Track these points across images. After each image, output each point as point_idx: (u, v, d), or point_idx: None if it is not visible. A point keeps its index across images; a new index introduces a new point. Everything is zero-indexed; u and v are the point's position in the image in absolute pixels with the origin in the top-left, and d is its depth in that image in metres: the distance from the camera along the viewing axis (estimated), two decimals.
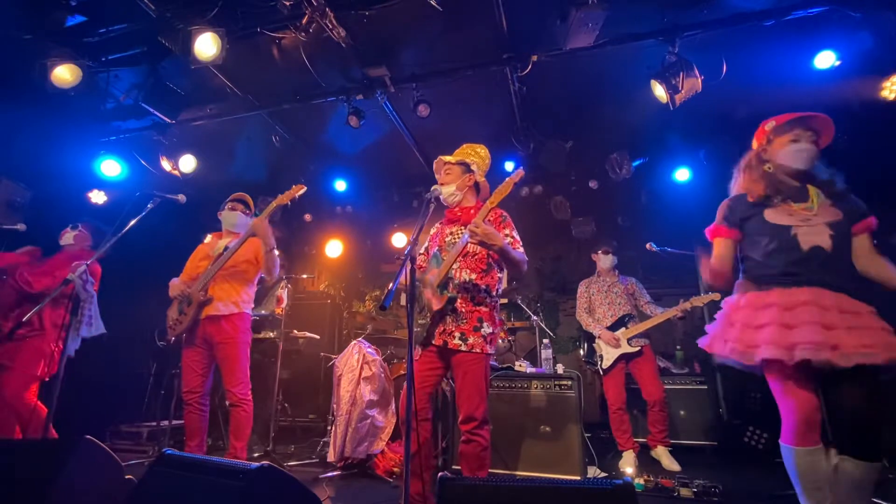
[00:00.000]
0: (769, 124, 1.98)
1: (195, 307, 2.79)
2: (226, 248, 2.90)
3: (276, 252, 2.88)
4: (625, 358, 3.60)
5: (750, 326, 1.75)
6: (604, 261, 3.89)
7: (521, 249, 2.17)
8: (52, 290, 2.46)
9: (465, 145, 2.38)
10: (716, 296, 3.40)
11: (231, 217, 3.06)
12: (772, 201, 1.89)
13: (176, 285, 2.88)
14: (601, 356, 3.68)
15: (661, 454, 3.50)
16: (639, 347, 3.57)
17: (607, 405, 3.66)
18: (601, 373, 3.69)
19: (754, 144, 2.06)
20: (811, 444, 1.64)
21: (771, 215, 1.87)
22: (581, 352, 3.92)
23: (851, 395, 1.61)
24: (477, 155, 2.35)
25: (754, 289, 1.85)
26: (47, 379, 2.89)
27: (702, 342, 1.94)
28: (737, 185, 2.06)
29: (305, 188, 3.01)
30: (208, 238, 3.23)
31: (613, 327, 3.67)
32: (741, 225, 1.95)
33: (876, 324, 1.64)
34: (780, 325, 1.66)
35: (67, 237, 3.18)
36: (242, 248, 2.91)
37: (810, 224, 1.78)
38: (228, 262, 2.86)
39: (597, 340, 3.73)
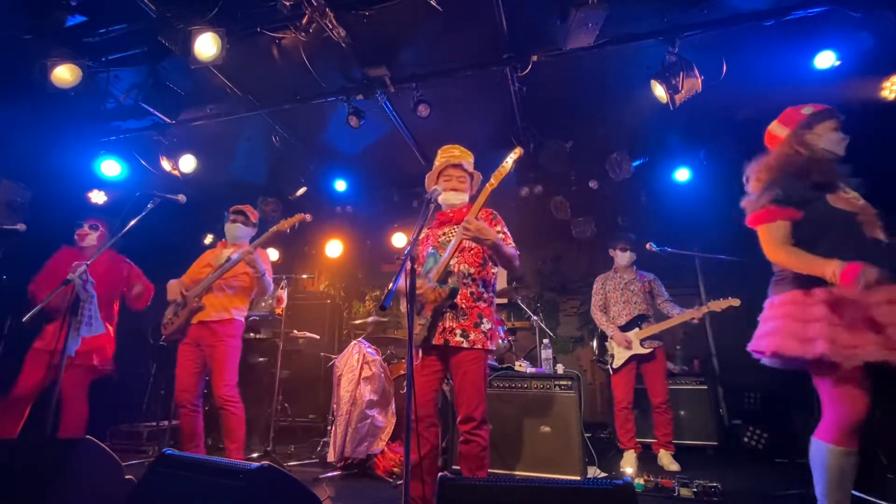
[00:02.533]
0: (806, 109, 1.92)
1: (188, 311, 2.86)
2: (228, 260, 2.95)
3: (268, 278, 2.98)
4: (636, 359, 3.58)
5: (839, 324, 1.61)
6: (621, 258, 3.83)
7: (513, 245, 2.19)
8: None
9: (457, 147, 2.39)
10: (735, 301, 3.34)
11: (232, 229, 3.14)
12: (830, 186, 1.79)
13: (174, 288, 2.93)
14: (612, 355, 3.66)
15: (663, 456, 3.50)
16: (651, 350, 3.54)
17: (613, 402, 3.66)
18: (611, 371, 3.67)
19: (782, 131, 1.96)
20: (852, 446, 1.62)
21: (834, 200, 1.75)
22: (593, 349, 3.90)
23: None
24: (468, 154, 2.39)
25: (816, 283, 1.69)
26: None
27: (766, 345, 1.75)
28: (783, 160, 1.89)
29: (308, 217, 3.08)
30: (209, 238, 3.25)
31: (627, 327, 3.64)
32: (803, 206, 1.77)
33: None
34: (874, 324, 1.57)
35: (90, 238, 3.14)
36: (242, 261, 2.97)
37: (865, 214, 1.72)
38: (228, 273, 2.94)
39: (609, 339, 3.71)
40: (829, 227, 1.73)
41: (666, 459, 3.46)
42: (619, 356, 3.61)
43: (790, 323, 1.72)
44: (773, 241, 1.81)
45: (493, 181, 2.08)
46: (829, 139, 1.85)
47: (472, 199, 2.38)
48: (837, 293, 1.64)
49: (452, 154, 2.35)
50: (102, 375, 3.09)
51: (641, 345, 3.55)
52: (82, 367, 2.92)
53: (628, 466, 3.37)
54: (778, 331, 1.74)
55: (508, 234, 2.25)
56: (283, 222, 3.02)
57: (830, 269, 1.61)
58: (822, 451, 1.66)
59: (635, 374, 3.62)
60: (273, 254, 5.93)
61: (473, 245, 2.20)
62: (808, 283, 1.72)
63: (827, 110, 1.90)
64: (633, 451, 3.48)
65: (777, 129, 1.99)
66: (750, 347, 1.84)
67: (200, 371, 2.89)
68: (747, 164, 2.01)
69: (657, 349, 3.57)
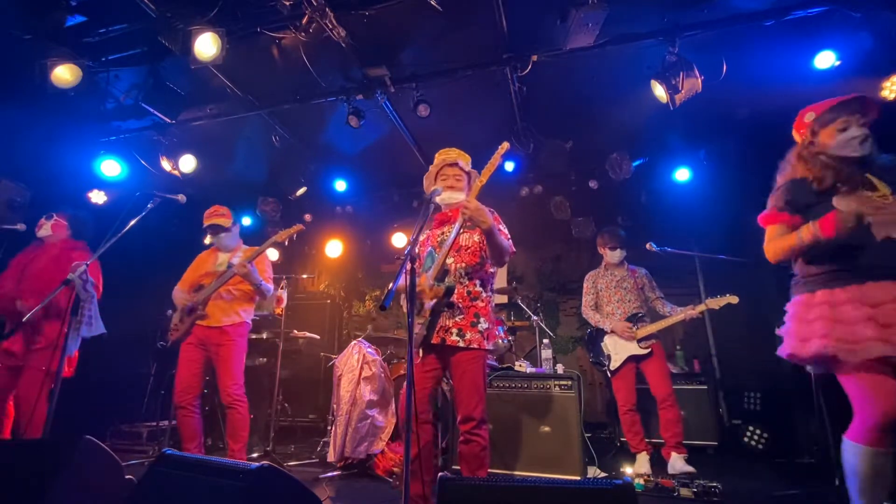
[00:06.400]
0: (808, 115, 1.90)
1: (193, 318, 2.89)
2: (229, 267, 2.95)
3: (266, 285, 3.00)
4: (634, 359, 3.46)
5: (841, 322, 1.63)
6: (610, 256, 3.69)
7: (509, 239, 2.21)
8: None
9: (454, 149, 2.41)
10: (733, 298, 3.26)
11: (217, 242, 3.19)
12: (839, 190, 1.75)
13: (181, 298, 2.98)
14: (609, 356, 3.53)
15: (676, 461, 3.23)
16: (649, 349, 3.42)
17: (617, 406, 3.53)
18: (609, 373, 3.55)
19: (797, 137, 1.97)
20: (885, 447, 1.57)
21: (840, 203, 1.72)
22: (589, 355, 3.76)
23: None
24: (465, 156, 2.42)
25: (820, 285, 1.74)
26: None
27: (782, 352, 1.81)
28: (788, 175, 1.93)
29: (303, 227, 3.10)
30: (209, 238, 3.25)
31: None
32: (805, 211, 1.80)
33: None
34: (875, 322, 1.57)
35: (45, 228, 3.06)
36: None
37: (886, 212, 1.66)
38: (231, 279, 2.95)
39: (604, 340, 3.57)
40: None
41: (679, 464, 3.20)
42: (617, 357, 3.48)
43: (796, 324, 1.78)
44: (767, 240, 1.90)
45: (484, 175, 2.11)
46: (836, 144, 1.82)
47: None
48: (839, 294, 1.68)
49: (449, 155, 2.37)
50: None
51: (639, 344, 3.43)
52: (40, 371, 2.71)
53: (642, 469, 3.24)
54: (789, 333, 1.80)
55: (505, 231, 2.25)
56: (282, 233, 3.03)
57: (807, 232, 1.71)
58: (850, 451, 1.64)
59: (635, 374, 3.49)
60: (273, 254, 5.92)
61: (471, 244, 2.22)
62: (813, 285, 1.78)
63: (827, 112, 1.86)
64: (645, 452, 3.33)
65: (795, 134, 1.99)
66: (778, 352, 1.87)
67: (202, 372, 2.90)
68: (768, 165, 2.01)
69: (654, 345, 3.44)
